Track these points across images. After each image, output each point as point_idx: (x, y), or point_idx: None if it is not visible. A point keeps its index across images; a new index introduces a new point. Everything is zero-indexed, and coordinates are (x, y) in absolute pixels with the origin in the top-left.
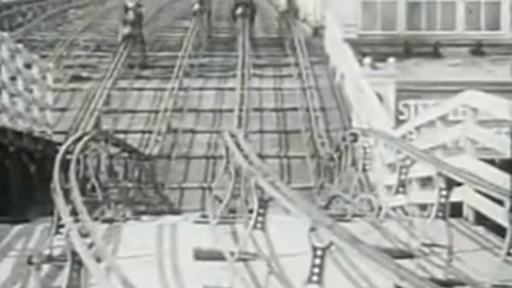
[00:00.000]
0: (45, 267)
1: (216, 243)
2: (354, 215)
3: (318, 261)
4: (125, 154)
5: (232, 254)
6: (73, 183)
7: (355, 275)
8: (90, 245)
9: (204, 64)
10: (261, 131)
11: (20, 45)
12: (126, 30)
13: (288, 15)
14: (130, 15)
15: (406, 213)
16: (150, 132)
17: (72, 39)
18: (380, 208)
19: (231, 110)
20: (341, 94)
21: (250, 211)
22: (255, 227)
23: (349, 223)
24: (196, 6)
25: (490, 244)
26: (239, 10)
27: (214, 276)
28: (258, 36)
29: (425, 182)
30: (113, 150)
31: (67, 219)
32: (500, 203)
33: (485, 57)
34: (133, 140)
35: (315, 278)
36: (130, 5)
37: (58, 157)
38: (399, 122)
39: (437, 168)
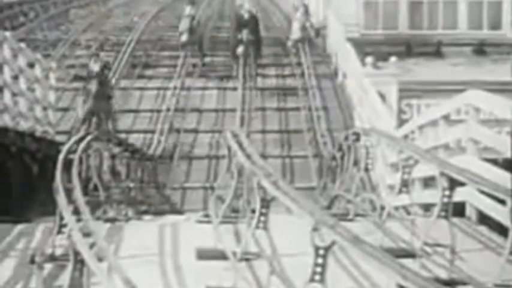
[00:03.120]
0: (48, 267)
1: (218, 243)
2: (356, 215)
3: (320, 260)
4: (127, 154)
5: (234, 253)
6: (75, 183)
7: (357, 275)
8: (92, 245)
9: (206, 63)
10: (263, 131)
11: (22, 45)
12: (88, 105)
13: (303, 45)
14: (93, 86)
15: (409, 213)
16: (153, 132)
17: (74, 38)
18: (382, 208)
19: (233, 110)
20: (343, 94)
21: (253, 211)
22: (257, 226)
23: (351, 223)
24: (185, 37)
25: (492, 244)
26: (240, 49)
27: (216, 275)
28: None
29: (428, 181)
30: (115, 150)
31: (69, 218)
32: (503, 202)
33: (487, 56)
34: (135, 139)
35: (317, 277)
36: (96, 68)
37: (60, 157)
38: (401, 122)
39: (440, 168)
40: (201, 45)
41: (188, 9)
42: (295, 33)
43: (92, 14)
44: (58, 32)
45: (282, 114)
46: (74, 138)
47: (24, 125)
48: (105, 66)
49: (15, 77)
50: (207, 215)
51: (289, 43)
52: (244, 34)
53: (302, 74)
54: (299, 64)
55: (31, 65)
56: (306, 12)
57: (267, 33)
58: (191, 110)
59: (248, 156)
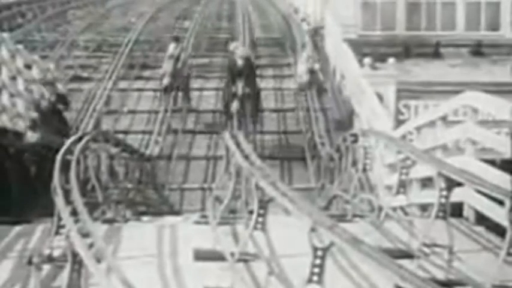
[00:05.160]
0: (46, 268)
1: (216, 244)
2: (354, 216)
3: (318, 261)
4: (125, 155)
5: (232, 254)
6: (73, 184)
7: (355, 276)
8: (91, 246)
9: (204, 64)
10: (261, 132)
11: (20, 46)
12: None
13: (311, 91)
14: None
15: (407, 214)
16: (150, 132)
17: (72, 39)
18: (380, 208)
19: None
20: (341, 94)
21: (251, 212)
22: (255, 227)
23: (349, 223)
24: (166, 80)
25: (490, 244)
26: (234, 105)
27: (214, 276)
28: (258, 36)
29: (426, 182)
30: (113, 150)
31: (67, 219)
32: (501, 203)
33: (485, 57)
34: (133, 140)
35: (315, 278)
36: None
37: (58, 158)
38: (399, 122)
39: (438, 168)
40: (186, 90)
41: (172, 48)
42: (302, 77)
43: (89, 14)
44: (56, 33)
45: (279, 115)
46: (71, 139)
47: (22, 126)
48: (60, 99)
49: (13, 78)
50: (205, 216)
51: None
52: (239, 86)
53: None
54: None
55: (29, 66)
56: (316, 48)
57: (265, 33)
58: (189, 111)
59: (246, 157)
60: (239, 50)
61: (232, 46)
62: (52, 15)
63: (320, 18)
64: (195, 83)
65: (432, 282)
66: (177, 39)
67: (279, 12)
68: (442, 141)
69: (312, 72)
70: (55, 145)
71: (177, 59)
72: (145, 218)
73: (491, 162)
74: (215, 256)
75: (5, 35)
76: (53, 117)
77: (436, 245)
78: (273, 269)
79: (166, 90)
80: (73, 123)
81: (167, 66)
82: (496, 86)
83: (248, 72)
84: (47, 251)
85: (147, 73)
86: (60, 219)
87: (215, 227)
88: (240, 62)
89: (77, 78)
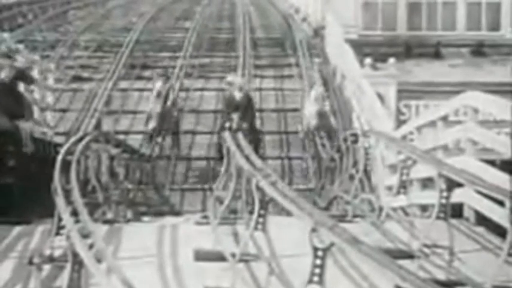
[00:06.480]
0: (46, 268)
1: (216, 244)
2: (355, 216)
3: (318, 261)
4: (126, 155)
5: (233, 255)
6: (73, 184)
7: (356, 276)
8: (91, 246)
9: (205, 64)
10: (262, 132)
11: (20, 46)
12: None
13: (320, 137)
14: None
15: (407, 214)
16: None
17: (73, 39)
18: (381, 209)
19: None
20: (342, 95)
21: (251, 212)
22: (255, 228)
23: (350, 224)
24: (153, 124)
25: (490, 245)
26: None
27: (214, 277)
28: (258, 36)
29: (426, 182)
30: (114, 151)
31: (68, 220)
32: (501, 203)
33: (486, 57)
34: (134, 141)
35: (315, 278)
36: None
37: (59, 158)
38: (400, 123)
39: (438, 169)
40: (175, 136)
41: (159, 86)
42: (311, 120)
43: (90, 15)
44: (57, 33)
45: (280, 115)
46: (72, 139)
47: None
48: (19, 75)
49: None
50: (205, 217)
51: (301, 134)
52: (235, 122)
53: (300, 75)
54: (297, 65)
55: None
56: (326, 88)
57: (266, 34)
58: (189, 111)
59: (247, 158)
60: (237, 82)
61: (229, 77)
62: (53, 15)
63: (321, 18)
64: (196, 83)
65: (432, 282)
66: (166, 76)
67: (279, 13)
68: (443, 141)
69: (321, 115)
70: (6, 128)
71: (166, 97)
72: (145, 219)
73: (492, 163)
74: (216, 256)
75: (6, 35)
76: (7, 97)
77: (436, 246)
78: (273, 270)
79: (152, 135)
80: (73, 124)
81: (154, 106)
82: (497, 86)
83: (246, 106)
84: (47, 252)
85: (147, 73)
86: (60, 219)
87: (216, 228)
88: (237, 95)
89: (77, 78)
